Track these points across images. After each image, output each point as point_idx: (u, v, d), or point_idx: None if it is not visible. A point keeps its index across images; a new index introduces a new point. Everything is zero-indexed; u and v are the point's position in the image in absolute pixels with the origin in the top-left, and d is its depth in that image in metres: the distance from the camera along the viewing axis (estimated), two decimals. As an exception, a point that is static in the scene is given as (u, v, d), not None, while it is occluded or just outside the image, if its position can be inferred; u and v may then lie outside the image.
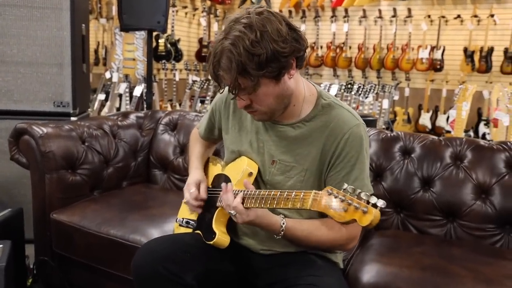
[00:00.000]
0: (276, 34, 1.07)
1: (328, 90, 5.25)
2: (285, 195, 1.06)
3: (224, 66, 1.09)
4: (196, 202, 1.40)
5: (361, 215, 0.87)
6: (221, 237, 1.30)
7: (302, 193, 1.02)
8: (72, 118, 2.56)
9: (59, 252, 2.06)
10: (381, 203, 0.86)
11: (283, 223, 1.16)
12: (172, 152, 2.44)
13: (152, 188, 2.40)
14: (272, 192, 1.10)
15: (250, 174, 1.27)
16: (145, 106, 3.00)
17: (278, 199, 1.08)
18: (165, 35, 5.62)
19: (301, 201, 1.01)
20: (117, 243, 1.82)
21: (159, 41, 5.65)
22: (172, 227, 1.58)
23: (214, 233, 1.30)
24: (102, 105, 4.71)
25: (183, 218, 1.46)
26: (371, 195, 0.95)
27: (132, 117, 2.59)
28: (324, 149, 1.20)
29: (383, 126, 5.04)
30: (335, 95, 5.27)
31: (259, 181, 1.30)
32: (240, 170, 1.29)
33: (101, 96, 4.61)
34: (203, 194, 1.41)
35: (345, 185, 0.91)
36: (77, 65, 2.55)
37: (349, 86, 4.96)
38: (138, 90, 4.49)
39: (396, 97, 5.76)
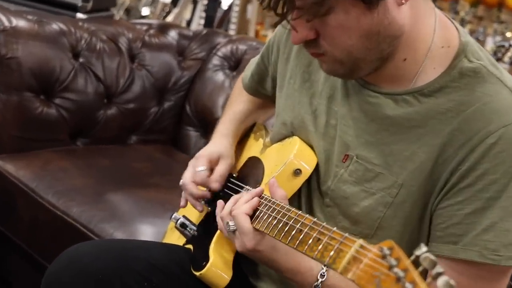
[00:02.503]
0: None
1: None
2: (319, 229, 1.00)
3: None
4: (197, 190, 1.38)
5: None
6: (215, 269, 1.25)
7: (344, 237, 0.93)
8: (79, 16, 2.46)
9: (-7, 224, 2.05)
10: None
11: (323, 275, 1.13)
12: (222, 105, 2.30)
13: (175, 156, 2.37)
14: (304, 218, 1.04)
15: (297, 172, 1.22)
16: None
17: (304, 235, 1.01)
18: None
19: (336, 252, 0.93)
20: (75, 230, 1.78)
21: None
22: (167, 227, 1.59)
23: (207, 258, 1.25)
24: (167, 11, 4.65)
25: (181, 216, 1.44)
26: None
27: (173, 34, 2.52)
28: (444, 153, 1.11)
29: None
30: None
31: (313, 189, 1.25)
32: (282, 160, 1.24)
33: (167, -3, 4.58)
34: (215, 181, 1.38)
35: (423, 249, 0.77)
36: None
37: None
38: (227, -1, 4.31)
39: None
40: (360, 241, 0.89)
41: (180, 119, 2.45)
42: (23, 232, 1.94)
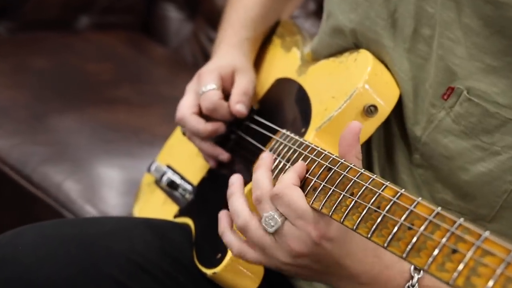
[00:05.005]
0: None
1: None
2: (430, 218, 0.81)
3: None
4: (204, 125, 1.23)
5: None
6: (238, 266, 1.09)
7: (483, 238, 0.74)
8: None
9: None
10: None
11: (415, 277, 1.03)
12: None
13: (147, 50, 2.26)
14: (385, 187, 0.87)
15: (370, 111, 1.07)
16: None
17: (408, 229, 0.84)
18: None
19: (470, 267, 0.74)
20: (2, 176, 1.69)
21: None
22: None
23: (223, 250, 1.11)
24: None
25: (167, 169, 1.31)
26: None
27: None
28: None
29: None
30: None
31: (394, 136, 1.17)
32: (343, 89, 1.11)
33: None
34: (236, 102, 1.22)
35: None
36: None
37: None
38: None
39: None
40: None
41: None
42: None
